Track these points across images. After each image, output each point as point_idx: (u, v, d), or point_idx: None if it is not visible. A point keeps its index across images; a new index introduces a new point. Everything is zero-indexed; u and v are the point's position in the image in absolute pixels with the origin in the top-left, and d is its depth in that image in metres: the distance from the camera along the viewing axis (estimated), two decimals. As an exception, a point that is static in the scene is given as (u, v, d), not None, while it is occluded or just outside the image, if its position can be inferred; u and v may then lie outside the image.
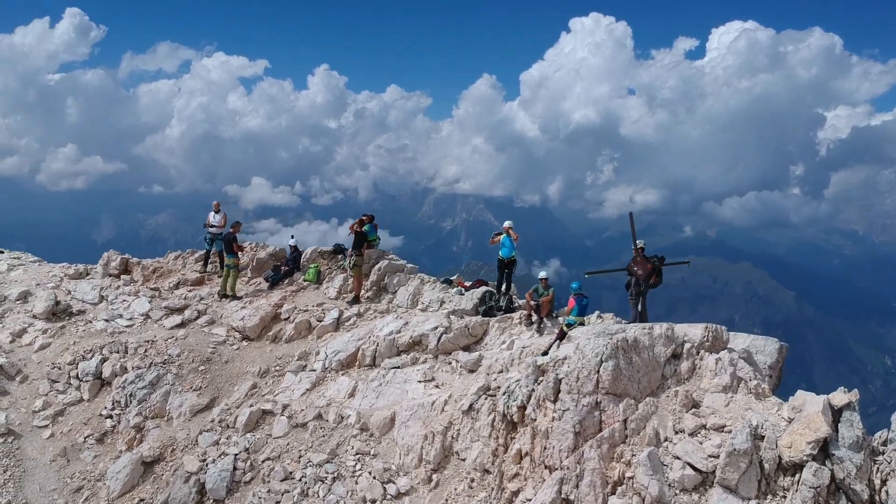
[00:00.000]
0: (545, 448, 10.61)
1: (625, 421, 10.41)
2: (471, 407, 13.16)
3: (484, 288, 18.12)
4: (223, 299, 20.15)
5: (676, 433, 10.22)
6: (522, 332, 15.80)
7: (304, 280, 20.92)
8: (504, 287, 17.89)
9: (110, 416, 15.72)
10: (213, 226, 21.84)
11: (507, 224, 17.56)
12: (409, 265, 20.77)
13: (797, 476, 9.08)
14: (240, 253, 20.76)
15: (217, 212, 21.99)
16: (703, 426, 10.16)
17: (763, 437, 9.50)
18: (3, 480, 13.94)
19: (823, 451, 9.13)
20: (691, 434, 10.08)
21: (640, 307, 14.79)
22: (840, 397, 9.50)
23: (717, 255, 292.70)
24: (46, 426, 15.52)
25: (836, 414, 9.41)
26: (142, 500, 13.49)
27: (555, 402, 10.83)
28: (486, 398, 13.19)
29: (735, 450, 9.21)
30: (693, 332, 12.36)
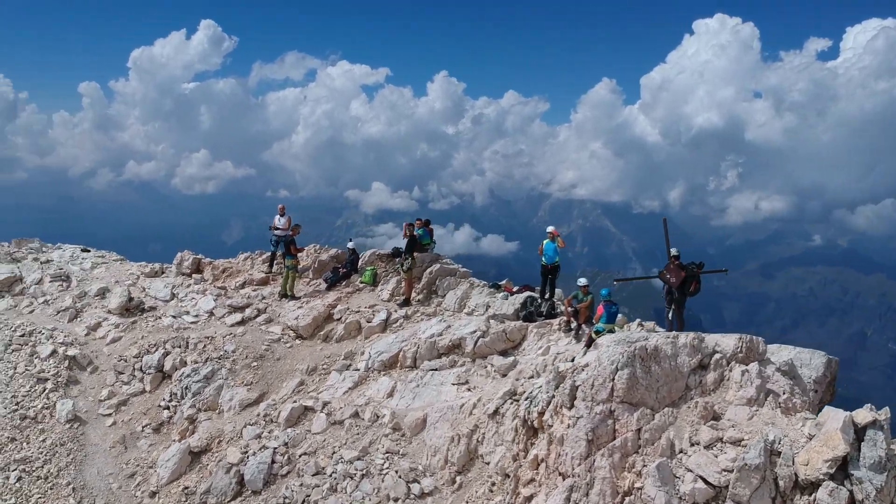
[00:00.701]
0: (559, 455, 10.49)
1: (638, 430, 10.17)
2: (496, 411, 13.15)
3: (527, 293, 18.02)
4: (283, 299, 20.95)
5: (692, 445, 9.90)
6: (560, 338, 15.62)
7: (361, 282, 21.44)
8: (548, 294, 17.70)
9: (167, 408, 16.69)
10: (278, 228, 22.74)
11: (550, 229, 17.34)
12: (463, 269, 20.90)
13: (813, 495, 8.67)
14: (298, 255, 21.53)
15: (282, 215, 22.88)
16: (720, 439, 9.79)
17: (780, 454, 9.10)
18: (66, 463, 15.09)
19: (843, 470, 8.67)
20: (707, 447, 9.73)
21: (672, 315, 14.33)
22: (864, 415, 8.97)
23: (849, 266, 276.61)
24: (110, 414, 16.67)
25: (859, 432, 8.91)
26: (186, 487, 14.25)
27: (570, 408, 10.71)
28: (511, 402, 13.14)
29: (746, 464, 8.89)
30: (726, 342, 11.90)
